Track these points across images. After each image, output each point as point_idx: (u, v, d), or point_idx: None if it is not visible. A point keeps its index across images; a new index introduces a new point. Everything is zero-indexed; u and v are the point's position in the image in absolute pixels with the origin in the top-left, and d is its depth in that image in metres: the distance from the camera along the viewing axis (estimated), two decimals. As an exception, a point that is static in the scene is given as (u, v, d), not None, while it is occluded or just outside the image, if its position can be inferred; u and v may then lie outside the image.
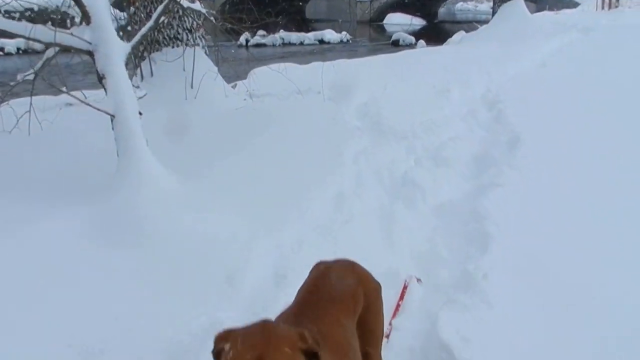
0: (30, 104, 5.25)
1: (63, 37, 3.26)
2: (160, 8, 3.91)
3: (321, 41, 22.00)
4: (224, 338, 1.18)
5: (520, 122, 5.46)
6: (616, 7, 21.66)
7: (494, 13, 16.01)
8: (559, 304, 2.35)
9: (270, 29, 18.75)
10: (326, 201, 3.63)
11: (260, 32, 19.69)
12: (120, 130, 3.32)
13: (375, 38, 23.44)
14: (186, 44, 6.18)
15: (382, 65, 9.47)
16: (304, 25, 25.80)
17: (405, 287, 2.76)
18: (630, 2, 22.70)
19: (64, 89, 3.48)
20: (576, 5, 28.67)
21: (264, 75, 7.24)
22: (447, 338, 2.11)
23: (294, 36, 21.75)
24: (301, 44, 21.43)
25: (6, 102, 5.41)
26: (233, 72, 6.56)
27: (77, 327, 2.08)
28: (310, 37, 22.08)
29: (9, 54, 17.32)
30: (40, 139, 5.07)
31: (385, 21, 34.29)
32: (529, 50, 9.90)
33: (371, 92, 6.76)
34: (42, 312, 2.14)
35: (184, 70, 6.31)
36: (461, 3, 51.13)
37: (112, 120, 3.39)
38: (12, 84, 4.98)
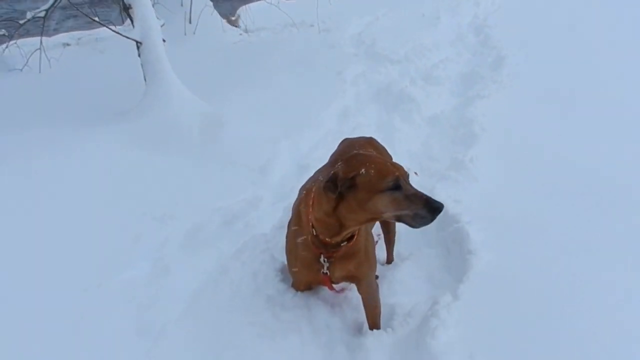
0: (41, 42, 5.48)
1: (89, -31, 3.54)
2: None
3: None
4: (348, 170, 1.59)
5: (505, 45, 5.86)
6: None
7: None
8: (530, 175, 2.94)
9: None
10: (333, 115, 4.11)
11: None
12: (148, 56, 3.67)
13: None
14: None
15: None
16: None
17: (405, 176, 3.31)
18: None
19: (96, 19, 3.77)
20: None
21: (255, 11, 7.45)
22: (442, 200, 2.67)
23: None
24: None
25: (14, 41, 5.63)
26: (230, 7, 6.77)
27: (148, 201, 2.61)
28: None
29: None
30: (53, 76, 5.36)
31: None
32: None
33: (364, 22, 7.06)
34: (118, 191, 2.65)
35: (181, 5, 6.52)
36: None
37: (138, 48, 3.74)
38: (21, 22, 5.19)
